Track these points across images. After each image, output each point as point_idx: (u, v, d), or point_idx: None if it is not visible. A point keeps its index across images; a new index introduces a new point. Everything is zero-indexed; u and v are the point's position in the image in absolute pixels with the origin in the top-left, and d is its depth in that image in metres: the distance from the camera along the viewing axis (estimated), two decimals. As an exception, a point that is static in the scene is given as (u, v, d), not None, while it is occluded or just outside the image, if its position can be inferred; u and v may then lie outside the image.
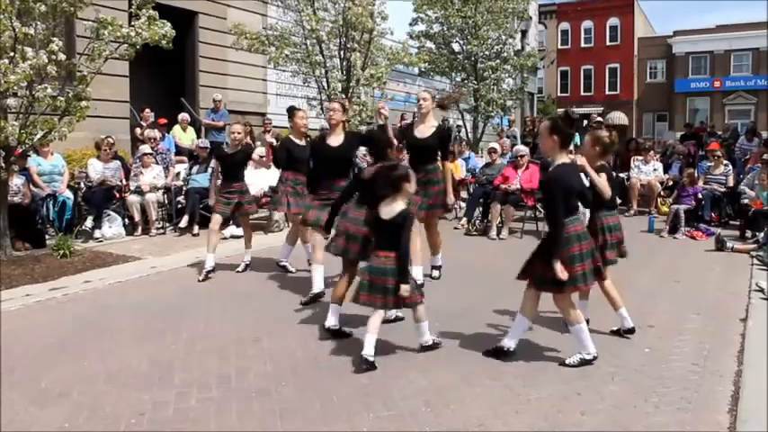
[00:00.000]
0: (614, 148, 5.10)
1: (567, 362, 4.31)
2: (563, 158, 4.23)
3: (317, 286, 5.71)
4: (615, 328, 4.95)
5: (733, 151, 14.42)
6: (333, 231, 4.93)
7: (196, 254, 7.80)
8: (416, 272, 5.91)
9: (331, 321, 4.81)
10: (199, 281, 6.66)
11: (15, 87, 6.87)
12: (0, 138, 6.89)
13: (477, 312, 5.53)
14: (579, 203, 4.39)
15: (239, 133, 7.05)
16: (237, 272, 7.03)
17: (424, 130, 6.41)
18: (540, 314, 5.12)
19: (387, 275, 4.29)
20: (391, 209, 4.33)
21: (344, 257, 4.86)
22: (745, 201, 10.04)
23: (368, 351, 4.18)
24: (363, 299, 4.35)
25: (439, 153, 6.49)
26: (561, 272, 4.05)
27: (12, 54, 6.70)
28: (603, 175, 4.73)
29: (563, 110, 4.47)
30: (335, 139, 5.71)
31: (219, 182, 7.20)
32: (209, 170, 8.24)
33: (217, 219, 6.90)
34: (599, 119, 19.88)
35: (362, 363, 4.14)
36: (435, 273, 6.75)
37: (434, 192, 6.33)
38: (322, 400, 3.74)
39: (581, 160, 4.54)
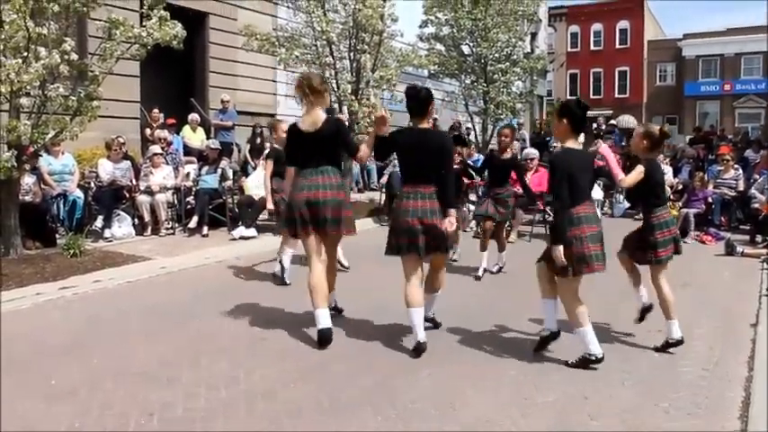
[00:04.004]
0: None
1: (569, 362, 4.32)
2: (571, 143, 4.30)
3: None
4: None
5: (744, 157, 14.39)
6: None
7: (205, 254, 7.83)
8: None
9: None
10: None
11: (28, 87, 6.91)
12: (12, 137, 6.93)
13: (484, 313, 5.52)
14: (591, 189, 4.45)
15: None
16: None
17: None
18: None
19: None
20: None
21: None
22: (756, 205, 10.00)
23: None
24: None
25: None
26: (559, 257, 4.11)
27: (25, 54, 6.74)
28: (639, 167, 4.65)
29: (576, 97, 4.53)
30: None
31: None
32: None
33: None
34: (612, 121, 19.86)
35: None
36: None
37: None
38: (330, 400, 3.75)
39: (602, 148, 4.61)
